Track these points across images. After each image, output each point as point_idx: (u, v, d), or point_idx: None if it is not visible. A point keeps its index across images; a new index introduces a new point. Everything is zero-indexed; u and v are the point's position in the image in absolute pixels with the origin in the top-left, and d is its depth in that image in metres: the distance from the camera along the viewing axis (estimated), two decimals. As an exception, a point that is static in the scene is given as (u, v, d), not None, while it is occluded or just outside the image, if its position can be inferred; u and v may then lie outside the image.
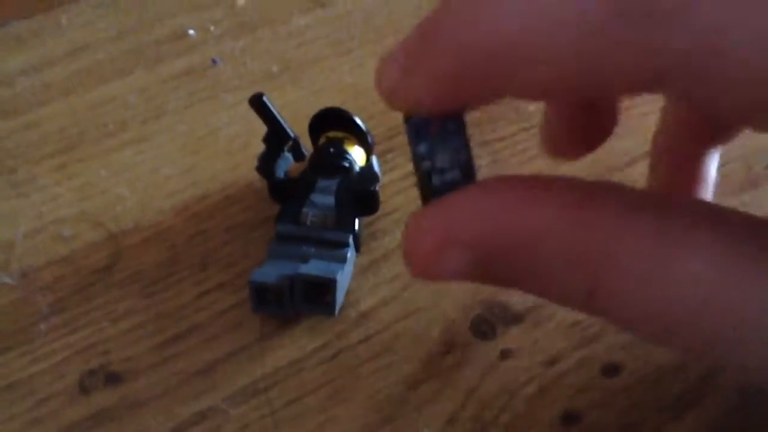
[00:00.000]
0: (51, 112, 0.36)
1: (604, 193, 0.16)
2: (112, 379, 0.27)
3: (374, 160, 0.31)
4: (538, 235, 0.16)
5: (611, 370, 0.26)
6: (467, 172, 0.18)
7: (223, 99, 0.36)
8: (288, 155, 0.29)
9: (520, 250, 0.16)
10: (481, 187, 0.17)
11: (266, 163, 0.28)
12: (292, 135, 0.28)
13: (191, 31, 0.39)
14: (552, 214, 0.16)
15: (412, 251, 0.17)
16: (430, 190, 0.18)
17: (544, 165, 0.33)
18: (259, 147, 0.30)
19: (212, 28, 0.40)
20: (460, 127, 0.18)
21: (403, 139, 0.35)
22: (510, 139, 0.35)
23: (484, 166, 0.33)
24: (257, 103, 0.27)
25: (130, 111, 0.36)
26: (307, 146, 0.31)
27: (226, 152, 0.34)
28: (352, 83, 0.37)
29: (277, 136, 0.28)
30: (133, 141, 0.35)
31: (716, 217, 0.16)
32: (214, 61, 0.34)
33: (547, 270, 0.16)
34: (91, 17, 0.41)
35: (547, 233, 0.16)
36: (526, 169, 0.33)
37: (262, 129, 0.30)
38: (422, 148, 0.17)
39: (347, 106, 0.31)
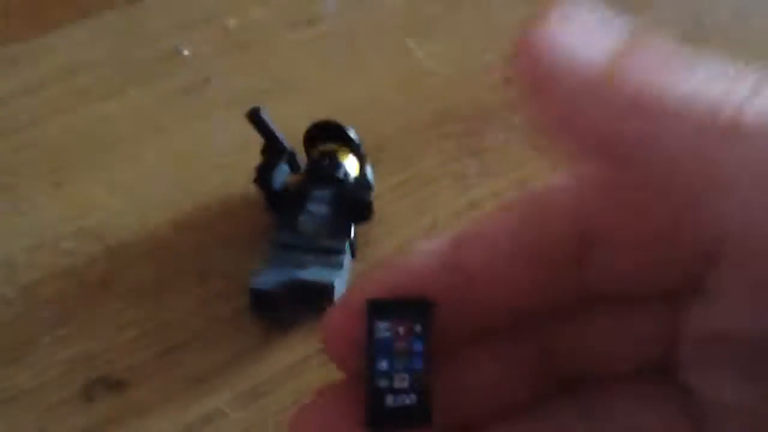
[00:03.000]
0: (47, 131, 0.37)
1: None
2: (116, 386, 0.27)
3: (368, 169, 0.32)
4: None
5: None
6: (423, 398, 0.17)
7: (216, 115, 0.37)
8: (284, 166, 0.30)
9: None
10: None
11: (264, 175, 0.29)
12: (288, 147, 0.29)
13: (185, 51, 0.40)
14: None
15: None
16: (379, 410, 0.17)
17: (531, 172, 0.34)
18: (253, 160, 0.31)
19: (204, 47, 0.41)
20: (426, 349, 0.17)
21: (393, 148, 0.36)
22: (497, 149, 0.36)
23: (474, 175, 0.34)
24: (255, 117, 0.28)
25: (124, 128, 0.37)
26: (301, 155, 0.32)
27: (221, 166, 0.35)
28: (341, 97, 0.38)
29: (274, 149, 0.29)
30: (129, 157, 0.35)
31: None
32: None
33: None
34: (85, 38, 0.41)
35: None
36: (516, 177, 0.34)
37: (255, 143, 0.31)
38: (383, 365, 0.17)
39: (337, 119, 0.32)
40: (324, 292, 0.27)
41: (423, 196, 0.33)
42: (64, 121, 0.37)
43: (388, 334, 0.17)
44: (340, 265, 0.28)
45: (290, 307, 0.27)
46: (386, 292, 0.18)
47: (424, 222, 0.32)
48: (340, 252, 0.29)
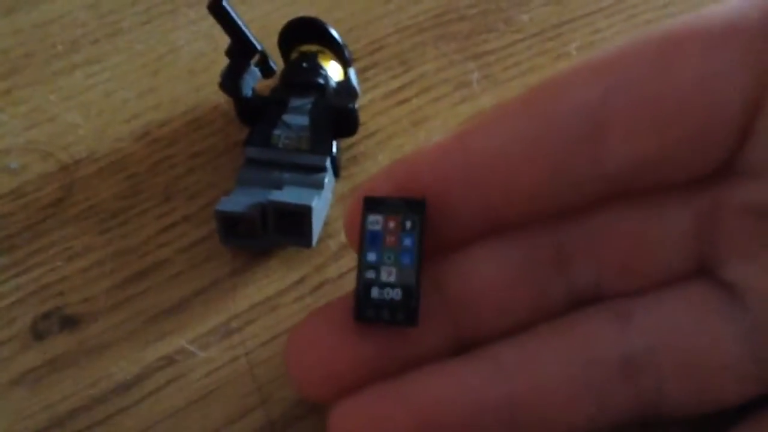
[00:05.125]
0: (-6, 33, 0.32)
1: None
2: (69, 322, 0.24)
3: (352, 73, 0.27)
4: None
5: None
6: (409, 295, 0.17)
7: (184, 13, 0.33)
8: (255, 70, 0.26)
9: None
10: None
11: (230, 79, 0.25)
12: (258, 47, 0.25)
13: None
14: None
15: None
16: (365, 302, 0.18)
17: (535, 80, 0.30)
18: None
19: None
20: (417, 245, 0.18)
21: (385, 52, 0.32)
22: (501, 52, 0.31)
23: (476, 81, 0.30)
24: (217, 10, 0.24)
25: (80, 29, 0.32)
26: (277, 63, 0.28)
27: (189, 72, 0.31)
28: (327, -6, 0.33)
29: (241, 48, 0.25)
30: (85, 62, 0.31)
31: None
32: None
33: None
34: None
35: None
36: (518, 83, 0.30)
37: (227, 45, 0.27)
38: (371, 256, 0.18)
39: (322, 18, 0.28)
40: (301, 215, 0.23)
41: (419, 106, 0.29)
42: (12, 22, 0.33)
43: (378, 227, 0.18)
44: (320, 185, 0.25)
45: (263, 233, 0.24)
46: (390, 189, 0.18)
47: (420, 135, 0.28)
48: (320, 170, 0.25)
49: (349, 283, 0.24)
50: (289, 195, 0.24)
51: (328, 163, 0.25)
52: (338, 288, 0.24)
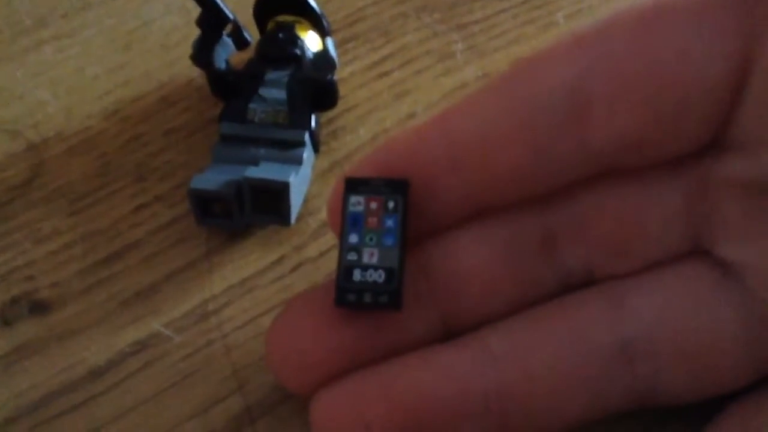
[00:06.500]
0: (-42, 9, 0.31)
1: None
2: (38, 307, 0.23)
3: (330, 43, 0.26)
4: None
5: None
6: (392, 277, 0.17)
7: (156, -14, 0.32)
8: (228, 41, 0.25)
9: None
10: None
11: (202, 50, 0.24)
12: (231, 16, 0.24)
13: None
14: None
15: None
16: (347, 285, 0.17)
17: (525, 49, 0.29)
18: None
19: None
20: (400, 226, 0.17)
21: (365, 25, 0.30)
22: (486, 22, 0.30)
23: (460, 52, 0.29)
24: (186, -23, 0.23)
25: (48, 3, 0.31)
26: (253, 35, 0.27)
27: (162, 47, 0.30)
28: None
29: (212, 17, 0.23)
30: (54, 37, 0.30)
31: None
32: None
33: None
34: None
35: None
36: (503, 54, 0.29)
37: (201, 17, 0.26)
38: (353, 238, 0.17)
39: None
40: (279, 192, 0.22)
41: (401, 78, 0.28)
42: (-22, -3, 0.31)
43: (360, 208, 0.17)
44: (298, 161, 0.24)
45: (240, 212, 0.23)
46: (372, 171, 0.17)
47: (402, 108, 0.27)
48: (298, 144, 0.24)
49: (330, 263, 0.23)
50: (265, 171, 0.23)
51: (306, 137, 0.24)
52: (318, 268, 0.23)
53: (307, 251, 0.24)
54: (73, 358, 0.22)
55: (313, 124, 0.24)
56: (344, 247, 0.17)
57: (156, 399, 0.21)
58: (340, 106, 0.26)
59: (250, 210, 0.23)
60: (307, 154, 0.24)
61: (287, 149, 0.24)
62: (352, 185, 0.17)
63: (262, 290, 0.23)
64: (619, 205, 0.18)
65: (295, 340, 0.18)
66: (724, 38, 0.15)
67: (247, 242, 0.24)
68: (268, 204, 0.23)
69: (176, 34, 0.30)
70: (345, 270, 0.17)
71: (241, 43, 0.25)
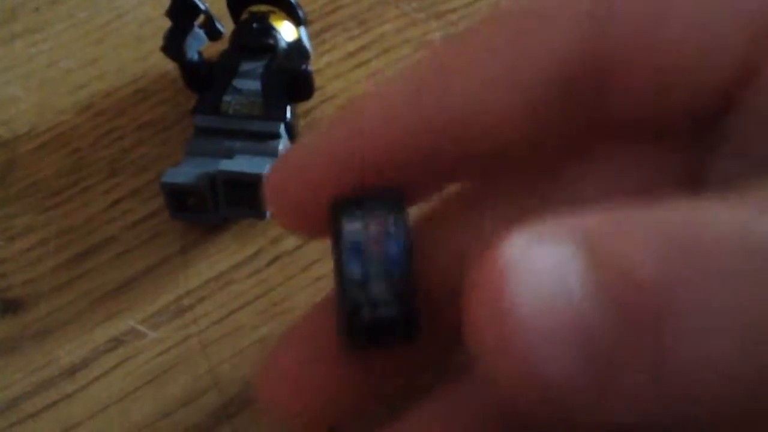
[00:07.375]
0: (-73, 4, 0.31)
1: None
2: (11, 306, 0.23)
3: (303, 33, 0.26)
4: None
5: None
6: (404, 309, 0.14)
7: (130, -22, 0.31)
8: (200, 32, 0.24)
9: None
10: None
11: (173, 41, 0.24)
12: (202, 6, 0.23)
13: None
14: None
15: None
16: (357, 327, 0.14)
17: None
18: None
19: None
20: (406, 249, 0.14)
21: (342, 14, 0.30)
22: (465, 10, 0.30)
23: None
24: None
25: (20, -3, 0.31)
26: (227, 26, 0.26)
27: (136, 39, 0.29)
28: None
29: (183, 7, 0.23)
30: (25, 32, 0.29)
31: None
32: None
33: None
34: None
35: None
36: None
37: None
38: (355, 270, 0.14)
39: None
40: (253, 185, 0.22)
41: (380, 67, 0.28)
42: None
43: (360, 238, 0.15)
44: (274, 153, 0.23)
45: (214, 205, 0.23)
46: (342, 151, 0.15)
47: (379, 99, 0.27)
48: (274, 136, 0.24)
49: (307, 255, 0.23)
50: (239, 164, 0.23)
51: (282, 129, 0.24)
52: (295, 261, 0.23)
53: (283, 244, 0.23)
54: (48, 357, 0.22)
55: (288, 115, 0.24)
56: (347, 283, 0.14)
57: (132, 396, 0.21)
58: (318, 96, 0.26)
59: (225, 204, 0.23)
60: (283, 146, 0.24)
61: (263, 141, 0.24)
62: (342, 208, 0.15)
63: (238, 284, 0.23)
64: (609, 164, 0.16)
65: (300, 388, 0.16)
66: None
67: (223, 236, 0.24)
68: (243, 197, 0.23)
69: (150, 26, 0.29)
70: (352, 310, 0.14)
71: (213, 34, 0.24)
